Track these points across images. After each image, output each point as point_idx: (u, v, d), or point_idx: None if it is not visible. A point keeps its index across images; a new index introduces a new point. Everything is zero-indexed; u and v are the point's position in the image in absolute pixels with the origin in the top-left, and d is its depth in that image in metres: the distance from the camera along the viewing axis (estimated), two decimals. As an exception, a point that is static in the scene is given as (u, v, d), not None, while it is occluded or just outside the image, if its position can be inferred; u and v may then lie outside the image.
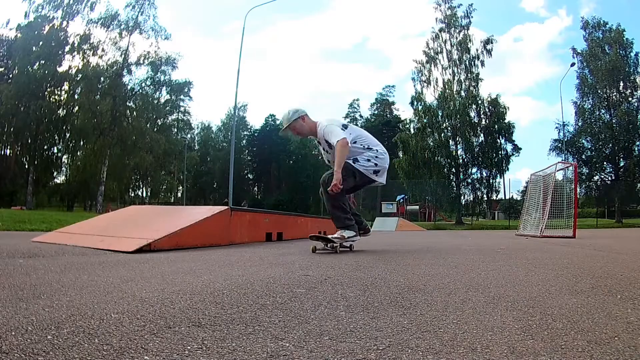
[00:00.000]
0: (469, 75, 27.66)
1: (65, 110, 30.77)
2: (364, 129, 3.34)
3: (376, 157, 3.11)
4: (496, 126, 27.57)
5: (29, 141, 29.32)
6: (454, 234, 11.63)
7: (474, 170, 28.71)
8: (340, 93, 79.38)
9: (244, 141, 50.87)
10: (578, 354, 0.71)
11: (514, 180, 58.52)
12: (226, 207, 3.77)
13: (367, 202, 44.81)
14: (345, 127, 3.11)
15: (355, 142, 3.08)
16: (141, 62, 31.59)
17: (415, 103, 28.57)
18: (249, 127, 52.54)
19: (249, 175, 52.50)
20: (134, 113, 32.42)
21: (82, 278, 1.49)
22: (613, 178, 26.97)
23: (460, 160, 28.35)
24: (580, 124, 27.73)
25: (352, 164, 3.03)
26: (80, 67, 29.76)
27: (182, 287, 1.35)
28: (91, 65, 29.94)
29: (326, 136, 3.00)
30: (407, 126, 29.97)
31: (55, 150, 32.46)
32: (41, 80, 28.69)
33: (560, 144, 27.51)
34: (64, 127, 30.99)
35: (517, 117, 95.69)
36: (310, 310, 1.04)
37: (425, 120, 27.56)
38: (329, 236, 3.04)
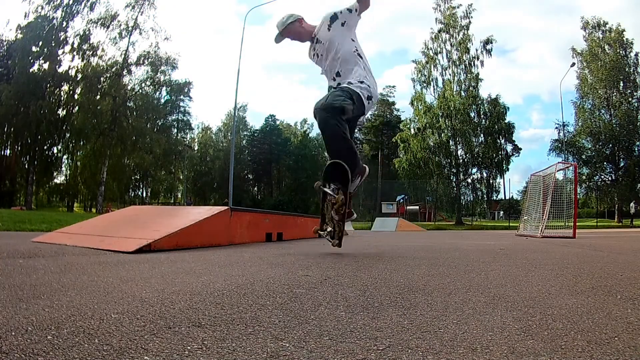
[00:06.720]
0: (468, 75, 27.73)
1: (65, 110, 30.77)
2: None
3: (366, 76, 2.54)
4: (496, 126, 27.63)
5: (29, 141, 29.32)
6: (454, 234, 11.63)
7: (474, 170, 28.78)
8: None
9: (244, 141, 50.85)
10: (578, 354, 0.71)
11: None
12: (226, 207, 3.77)
13: (367, 202, 44.78)
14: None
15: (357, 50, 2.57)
16: (141, 62, 31.65)
17: (415, 103, 28.67)
18: (249, 127, 52.53)
19: (249, 176, 52.43)
20: (134, 113, 32.44)
21: (82, 278, 1.48)
22: (613, 178, 26.98)
23: (461, 160, 28.39)
24: (580, 124, 27.77)
25: (348, 86, 2.45)
26: (80, 67, 29.79)
27: (182, 287, 1.35)
28: (91, 65, 29.98)
29: (340, 13, 2.59)
30: (407, 126, 30.01)
31: (55, 150, 32.47)
32: (41, 80, 28.71)
33: (560, 144, 27.53)
34: (64, 127, 30.98)
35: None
36: (310, 311, 1.04)
37: (425, 121, 27.65)
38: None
